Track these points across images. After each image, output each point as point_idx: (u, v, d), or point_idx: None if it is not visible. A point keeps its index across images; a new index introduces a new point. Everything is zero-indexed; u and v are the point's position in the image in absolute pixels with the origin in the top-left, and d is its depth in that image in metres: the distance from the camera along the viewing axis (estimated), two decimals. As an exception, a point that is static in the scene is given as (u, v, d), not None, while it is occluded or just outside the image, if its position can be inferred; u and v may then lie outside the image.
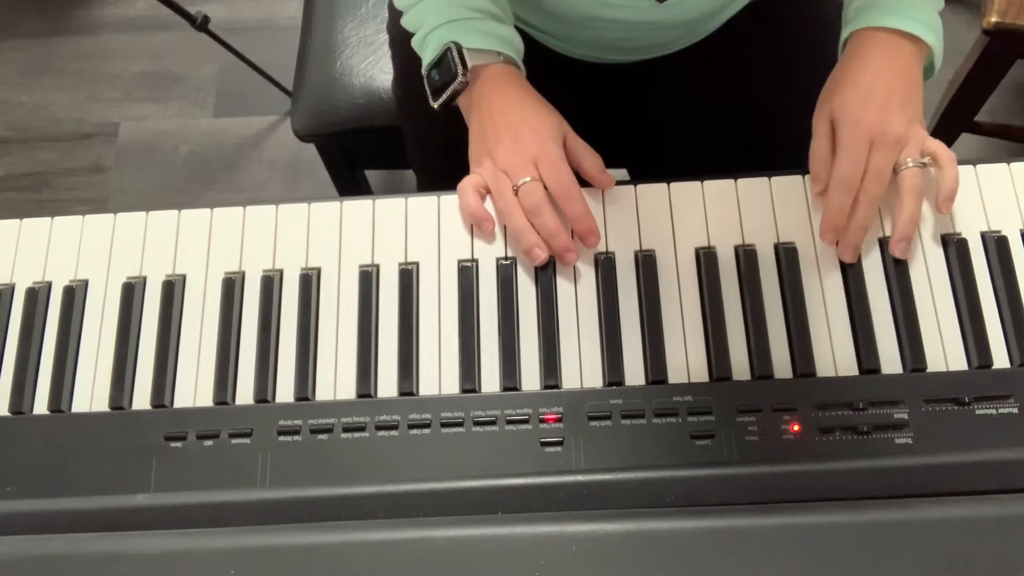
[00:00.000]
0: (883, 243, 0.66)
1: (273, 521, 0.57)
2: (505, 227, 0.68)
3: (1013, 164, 0.68)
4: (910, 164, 0.64)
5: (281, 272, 0.68)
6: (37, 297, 0.68)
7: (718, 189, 0.69)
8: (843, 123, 0.65)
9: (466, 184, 0.68)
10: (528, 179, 0.66)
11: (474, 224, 0.67)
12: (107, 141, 1.70)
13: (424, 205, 0.70)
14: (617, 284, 0.66)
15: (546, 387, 0.63)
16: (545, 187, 0.66)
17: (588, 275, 0.67)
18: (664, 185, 0.69)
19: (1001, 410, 0.60)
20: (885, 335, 0.63)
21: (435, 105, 0.72)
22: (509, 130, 0.67)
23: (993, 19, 1.04)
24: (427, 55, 0.72)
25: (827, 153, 0.66)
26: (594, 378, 0.63)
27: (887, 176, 0.64)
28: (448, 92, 0.70)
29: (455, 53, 0.69)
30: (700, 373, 0.63)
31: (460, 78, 0.69)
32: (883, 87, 0.65)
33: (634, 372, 0.63)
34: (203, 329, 0.67)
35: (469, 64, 0.69)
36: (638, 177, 0.71)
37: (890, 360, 0.63)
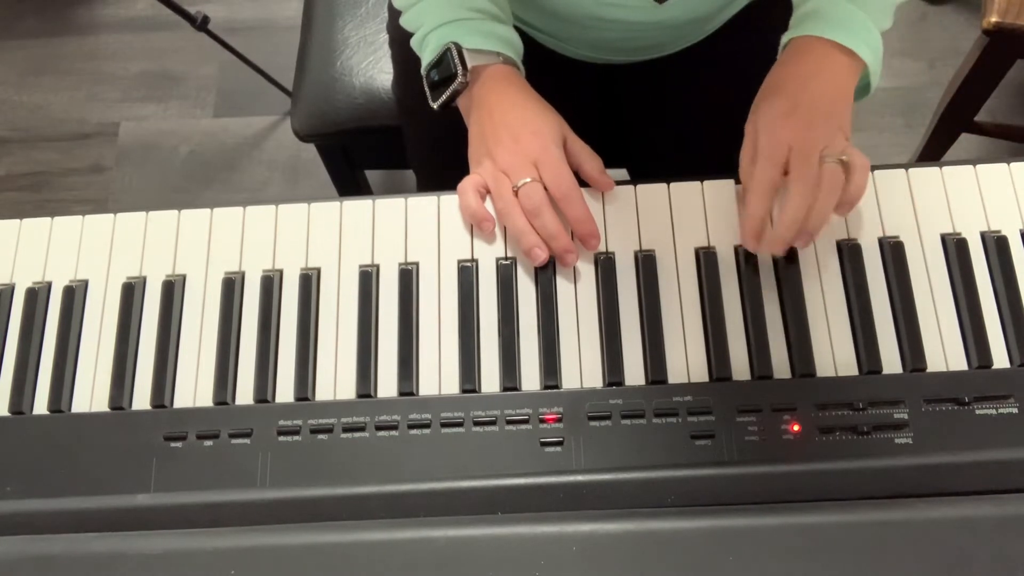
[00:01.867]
0: (883, 243, 0.66)
1: (273, 521, 0.57)
2: (505, 228, 0.68)
3: (1013, 164, 0.68)
4: (828, 161, 0.64)
5: (281, 272, 0.68)
6: (37, 297, 0.68)
7: (718, 189, 0.69)
8: (762, 132, 0.65)
9: (466, 184, 0.68)
10: (528, 180, 0.65)
11: (474, 224, 0.67)
12: (107, 141, 1.70)
13: (424, 205, 0.70)
14: (617, 284, 0.66)
15: (546, 387, 0.63)
16: (545, 188, 0.66)
17: (588, 275, 0.67)
18: (664, 185, 0.69)
19: (1001, 410, 0.60)
20: (885, 335, 0.63)
21: (435, 105, 0.72)
22: (509, 131, 0.67)
23: (993, 19, 1.04)
24: (426, 55, 0.71)
25: (751, 160, 0.66)
26: (594, 378, 0.63)
27: (815, 170, 0.63)
28: (448, 92, 0.70)
29: (455, 53, 0.69)
30: (700, 373, 0.63)
31: (460, 78, 0.69)
32: (809, 97, 0.65)
33: (634, 372, 0.63)
34: (203, 329, 0.67)
35: (469, 64, 0.69)
36: (638, 177, 0.71)
37: (890, 360, 0.63)
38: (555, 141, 0.67)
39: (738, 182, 0.68)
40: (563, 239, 0.65)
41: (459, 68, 0.68)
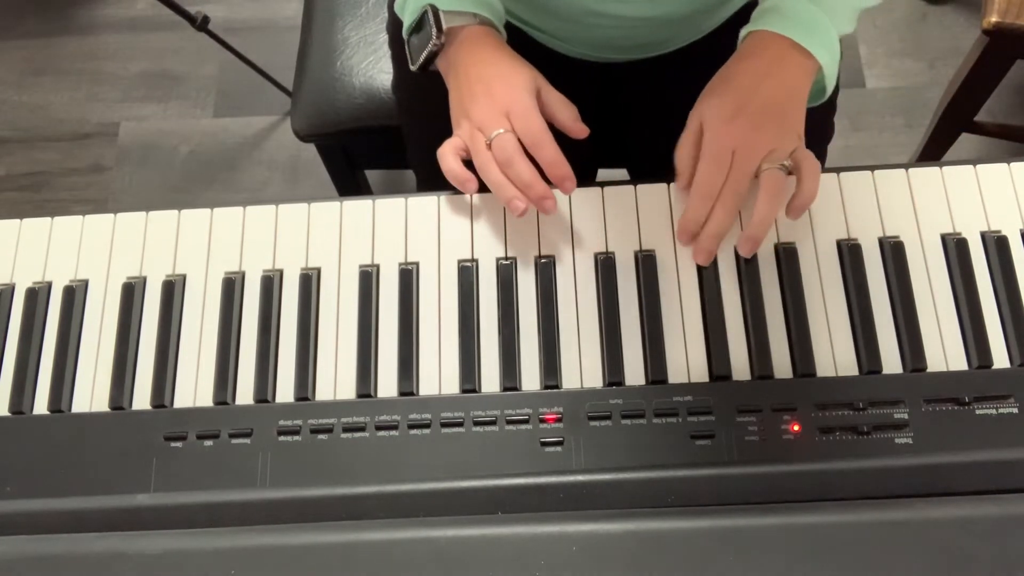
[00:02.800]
0: (883, 242, 0.66)
1: (273, 521, 0.57)
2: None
3: (1013, 164, 0.68)
4: (768, 167, 0.64)
5: (281, 272, 0.68)
6: (37, 297, 0.68)
7: (718, 189, 0.69)
8: (708, 129, 0.65)
9: (445, 148, 0.68)
10: (500, 131, 0.65)
11: (457, 186, 0.67)
12: (107, 141, 1.70)
13: (424, 205, 0.70)
14: (617, 284, 0.66)
15: (546, 387, 0.63)
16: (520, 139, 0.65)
17: (588, 275, 0.67)
18: (664, 185, 0.69)
19: (1001, 410, 0.60)
20: (885, 335, 0.63)
21: (413, 68, 0.72)
22: (483, 85, 0.67)
23: (993, 19, 1.04)
24: (407, 19, 0.72)
25: (692, 150, 0.66)
26: (594, 378, 0.63)
27: (747, 183, 0.64)
28: (424, 53, 0.70)
29: (431, 16, 0.69)
30: (700, 373, 0.63)
31: (434, 39, 0.69)
32: (760, 97, 0.65)
33: (634, 372, 0.63)
34: (203, 329, 0.67)
35: (445, 26, 0.69)
36: (638, 177, 0.71)
37: (890, 360, 0.63)
38: (526, 90, 0.67)
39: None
40: (538, 187, 0.64)
41: (434, 29, 0.69)
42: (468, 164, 0.67)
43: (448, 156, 0.67)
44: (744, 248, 0.64)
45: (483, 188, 0.67)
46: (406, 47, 0.73)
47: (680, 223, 0.65)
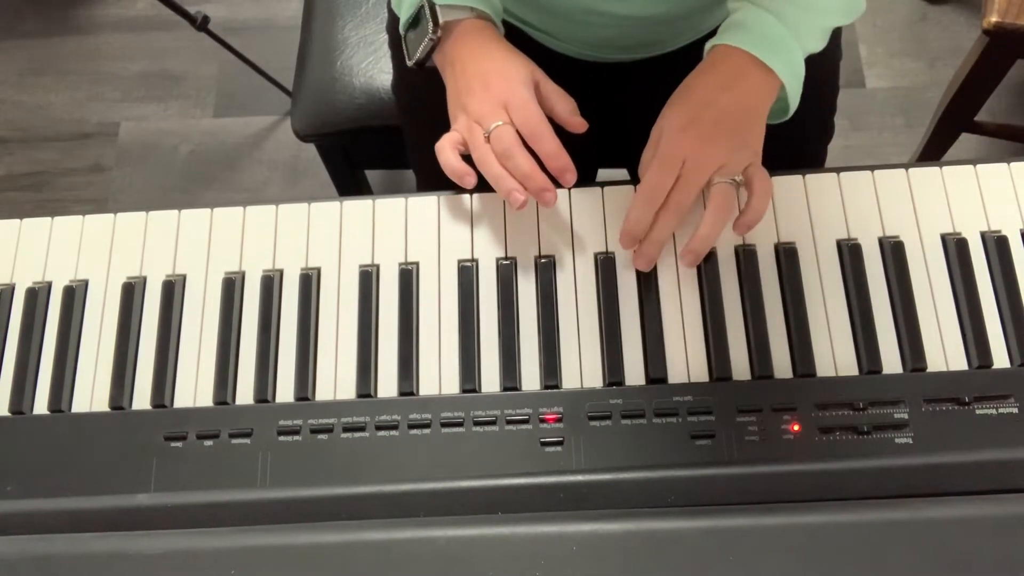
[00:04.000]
0: (883, 242, 0.66)
1: (273, 521, 0.57)
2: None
3: (1013, 164, 0.68)
4: (718, 181, 0.64)
5: (281, 272, 0.68)
6: (37, 297, 0.68)
7: (718, 189, 0.69)
8: (663, 138, 0.65)
9: (443, 142, 0.67)
10: (499, 124, 0.65)
11: (456, 180, 0.67)
12: (107, 141, 1.70)
13: (424, 205, 0.70)
14: (617, 284, 0.66)
15: (546, 387, 0.63)
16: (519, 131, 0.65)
17: (588, 275, 0.67)
18: (664, 185, 0.69)
19: (1001, 410, 0.60)
20: (885, 335, 0.63)
21: (410, 63, 0.72)
22: (480, 79, 0.67)
23: (993, 19, 1.04)
24: (403, 15, 0.72)
25: (651, 162, 0.66)
26: (594, 378, 0.63)
27: (694, 193, 0.64)
28: (421, 48, 0.70)
29: (427, 10, 0.69)
30: (700, 373, 0.63)
31: (430, 34, 0.69)
32: (716, 110, 0.64)
33: (634, 372, 0.63)
34: (203, 329, 0.67)
35: (441, 20, 0.69)
36: (638, 177, 0.71)
37: (890, 360, 0.63)
38: (524, 82, 0.67)
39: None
40: (537, 178, 0.64)
41: (431, 24, 0.69)
42: (466, 159, 0.67)
43: (446, 150, 0.67)
44: (684, 261, 0.65)
45: (482, 183, 0.66)
46: (403, 43, 0.73)
47: (623, 226, 0.65)
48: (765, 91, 0.66)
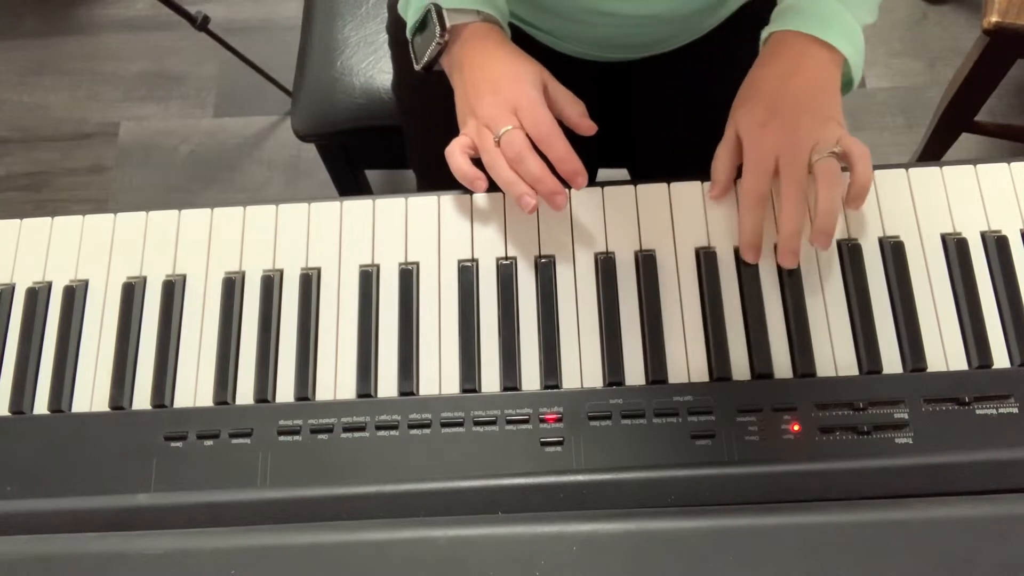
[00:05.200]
0: (883, 242, 0.66)
1: (273, 521, 0.57)
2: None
3: (1013, 164, 0.68)
4: (817, 158, 0.63)
5: (281, 272, 0.68)
6: (37, 297, 0.68)
7: (718, 189, 0.69)
8: (746, 138, 0.65)
9: (453, 146, 0.67)
10: (509, 128, 0.65)
11: (466, 185, 0.67)
12: (107, 141, 1.70)
13: (424, 205, 0.70)
14: (617, 284, 0.66)
15: (546, 387, 0.63)
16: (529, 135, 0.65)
17: (588, 275, 0.67)
18: (664, 185, 0.69)
19: (1001, 410, 0.60)
20: (885, 335, 0.63)
21: (418, 68, 0.72)
22: (489, 83, 0.67)
23: (993, 19, 1.04)
24: (410, 19, 0.72)
25: (728, 159, 0.66)
26: (594, 378, 0.63)
27: (803, 177, 0.63)
28: (428, 53, 0.70)
29: (434, 14, 0.69)
30: (700, 373, 0.63)
31: (438, 38, 0.69)
32: (789, 97, 0.65)
33: (634, 372, 0.63)
34: (203, 329, 0.67)
35: (448, 24, 0.69)
36: (638, 177, 0.71)
37: (890, 360, 0.63)
38: (533, 86, 0.67)
39: (736, 178, 0.68)
40: (549, 182, 0.64)
41: (438, 28, 0.68)
42: (476, 162, 0.67)
43: (456, 155, 0.67)
44: (820, 242, 0.63)
45: (492, 186, 0.67)
46: (410, 47, 0.73)
47: (741, 241, 0.65)
48: (831, 67, 0.67)
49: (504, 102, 0.66)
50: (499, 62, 0.68)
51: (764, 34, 0.70)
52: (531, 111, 0.65)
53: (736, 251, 0.66)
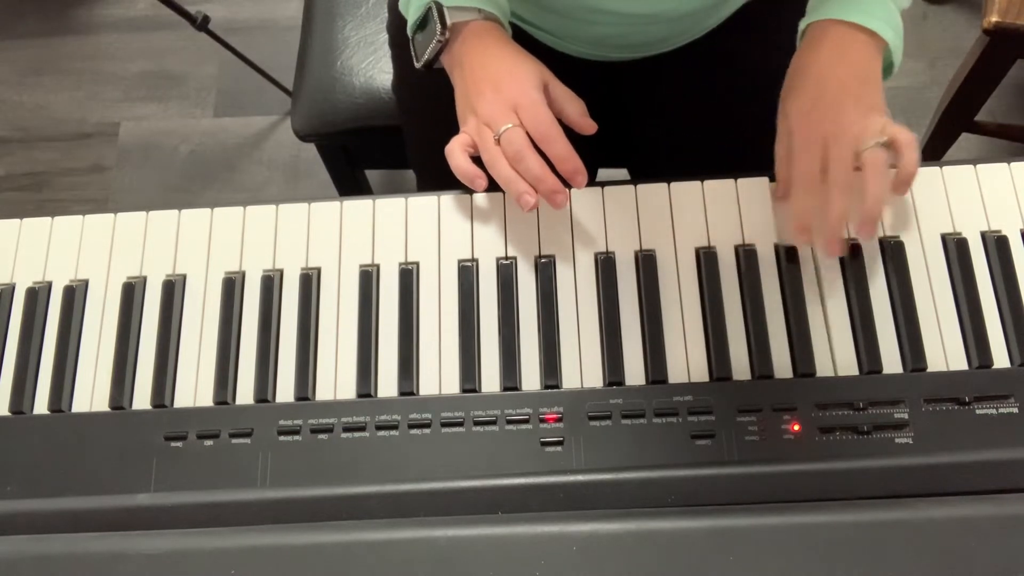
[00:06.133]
0: (883, 243, 0.66)
1: (273, 521, 0.57)
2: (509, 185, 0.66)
3: (1013, 164, 0.68)
4: (869, 145, 0.64)
5: (281, 272, 0.68)
6: (37, 297, 0.68)
7: (718, 189, 0.69)
8: (795, 126, 0.66)
9: (453, 144, 0.67)
10: (509, 126, 0.65)
11: (466, 183, 0.67)
12: (107, 141, 1.70)
13: (424, 205, 0.70)
14: (617, 284, 0.66)
15: (546, 387, 0.63)
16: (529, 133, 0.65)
17: (588, 275, 0.67)
18: (664, 185, 0.69)
19: (1001, 410, 0.60)
20: (885, 335, 0.63)
21: (418, 66, 0.72)
22: (489, 81, 0.67)
23: (993, 19, 1.04)
24: (411, 16, 0.72)
25: (786, 155, 0.67)
26: (594, 378, 0.63)
27: (850, 165, 0.64)
28: (428, 50, 0.70)
29: (435, 12, 0.69)
30: (700, 373, 0.63)
31: (438, 35, 0.69)
32: (833, 84, 0.65)
33: (634, 372, 0.63)
34: (203, 329, 0.67)
35: (449, 21, 0.69)
36: (638, 177, 0.71)
37: (890, 360, 0.63)
38: (534, 85, 0.67)
39: (735, 178, 0.69)
40: (549, 180, 0.64)
41: (438, 26, 0.68)
42: (476, 161, 0.67)
43: (456, 153, 0.67)
44: (864, 231, 0.64)
45: (492, 185, 0.67)
46: (411, 45, 0.73)
47: (793, 223, 0.65)
48: (872, 53, 0.67)
49: (504, 100, 0.66)
50: (500, 60, 0.68)
51: (802, 25, 0.70)
52: (532, 109, 0.65)
53: (736, 250, 0.66)
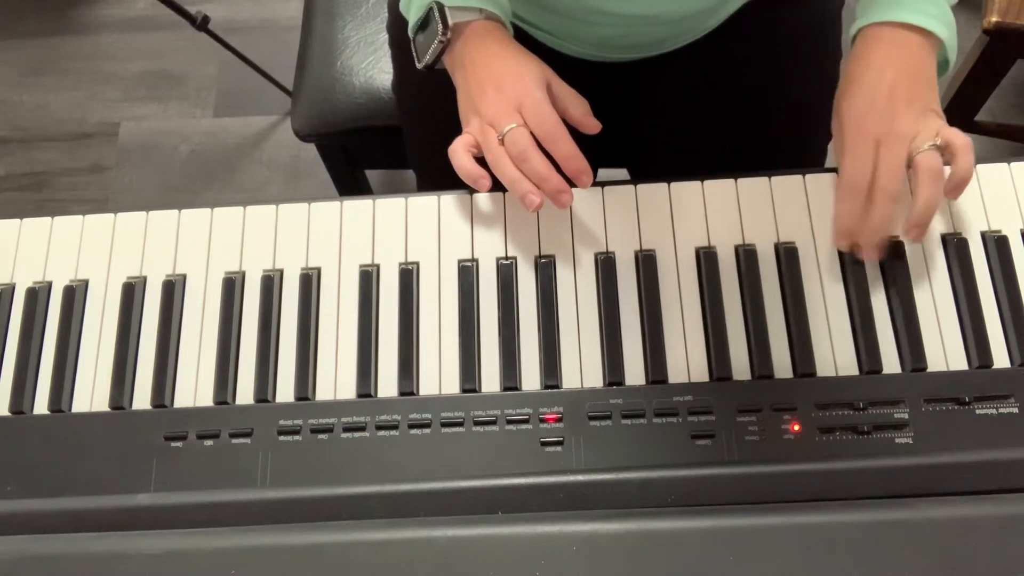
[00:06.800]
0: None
1: (273, 521, 0.57)
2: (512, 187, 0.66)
3: (1013, 164, 0.68)
4: (924, 148, 0.63)
5: (281, 272, 0.68)
6: (37, 297, 0.68)
7: (718, 189, 0.69)
8: (847, 127, 0.65)
9: (456, 145, 0.67)
10: (513, 126, 0.65)
11: (470, 184, 0.66)
12: (107, 141, 1.70)
13: (424, 205, 0.70)
14: (617, 284, 0.66)
15: (546, 387, 0.63)
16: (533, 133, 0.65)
17: (588, 275, 0.67)
18: (664, 185, 0.69)
19: (1001, 410, 0.60)
20: (885, 335, 0.63)
21: (420, 66, 0.72)
22: (492, 81, 0.67)
23: (993, 19, 1.04)
24: (412, 17, 0.72)
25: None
26: (594, 378, 0.63)
27: (901, 171, 0.63)
28: (430, 51, 0.70)
29: (436, 12, 0.69)
30: (700, 373, 0.63)
31: (440, 36, 0.68)
32: (887, 86, 0.65)
33: (634, 372, 0.63)
34: (203, 329, 0.67)
35: (451, 22, 0.68)
36: (638, 177, 0.71)
37: (890, 360, 0.63)
38: (537, 84, 0.66)
39: (735, 178, 0.69)
40: (553, 180, 0.64)
41: (440, 26, 0.68)
42: (480, 161, 0.67)
43: (460, 153, 0.67)
44: (912, 233, 0.63)
45: (496, 185, 0.66)
46: (412, 46, 0.73)
47: (835, 225, 0.65)
48: (926, 52, 0.67)
49: (508, 100, 0.66)
50: (502, 60, 0.68)
51: (853, 29, 0.70)
52: (535, 109, 0.65)
53: (736, 250, 0.66)
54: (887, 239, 0.64)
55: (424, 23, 0.70)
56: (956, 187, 0.64)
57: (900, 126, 0.64)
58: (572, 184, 0.65)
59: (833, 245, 0.66)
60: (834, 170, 0.69)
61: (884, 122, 0.64)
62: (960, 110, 1.25)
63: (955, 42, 0.69)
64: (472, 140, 0.67)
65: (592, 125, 0.68)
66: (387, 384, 0.64)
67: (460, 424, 0.62)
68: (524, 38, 0.83)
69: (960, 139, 0.64)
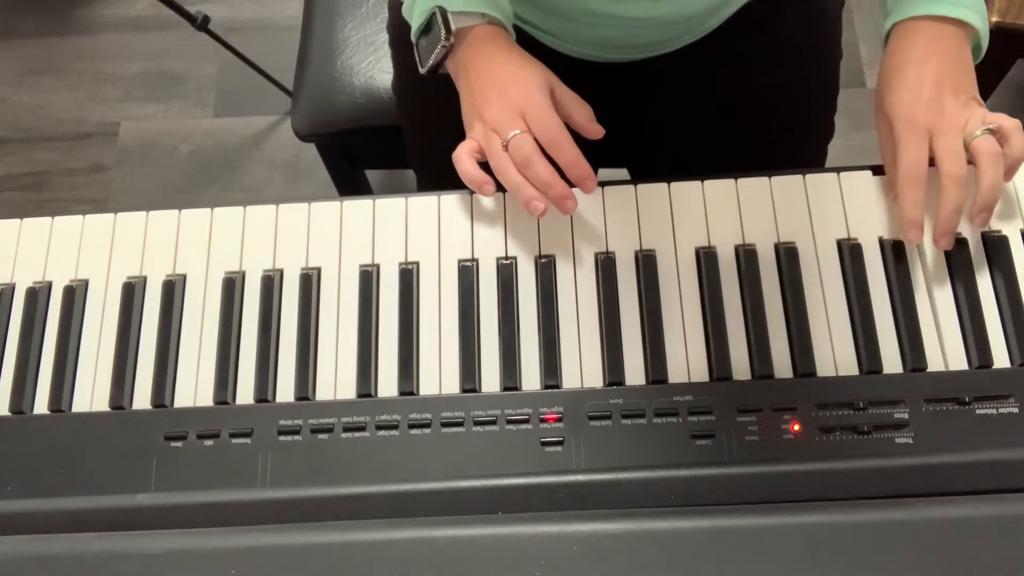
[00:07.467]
0: (882, 242, 0.66)
1: (273, 521, 0.57)
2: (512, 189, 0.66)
3: (1013, 164, 0.68)
4: (977, 134, 0.64)
5: (281, 272, 0.68)
6: (37, 297, 0.68)
7: (718, 189, 0.69)
8: (897, 122, 0.66)
9: (460, 151, 0.67)
10: (517, 132, 0.64)
11: (475, 189, 0.67)
12: (107, 141, 1.70)
13: (424, 205, 0.70)
14: (617, 284, 0.66)
15: (546, 387, 0.63)
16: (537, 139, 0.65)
17: (588, 275, 0.67)
18: (664, 185, 0.69)
19: (1001, 410, 0.60)
20: (885, 335, 0.63)
21: (423, 71, 0.72)
22: (496, 87, 0.67)
23: (993, 19, 1.04)
24: (415, 22, 0.72)
25: (892, 157, 0.66)
26: (594, 378, 0.63)
27: (963, 157, 0.64)
28: (433, 56, 0.70)
29: (439, 17, 0.69)
30: (700, 373, 0.63)
31: (443, 41, 0.68)
32: (930, 78, 0.65)
33: (634, 372, 0.63)
34: (203, 329, 0.67)
35: (453, 27, 0.68)
36: (638, 177, 0.71)
37: (890, 360, 0.63)
38: (540, 89, 0.66)
39: (735, 178, 0.68)
40: (558, 186, 0.64)
41: (443, 31, 0.68)
42: (483, 166, 0.67)
43: (464, 159, 0.67)
44: (980, 218, 0.64)
45: (499, 190, 0.67)
46: (415, 51, 0.72)
47: (903, 217, 0.64)
48: (963, 42, 0.67)
49: (511, 106, 0.66)
50: (505, 65, 0.68)
51: (886, 25, 0.70)
52: (539, 115, 0.65)
53: (736, 250, 0.66)
54: (956, 227, 0.64)
55: (427, 28, 0.70)
56: (1012, 168, 0.65)
57: (951, 116, 0.64)
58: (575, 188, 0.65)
59: (907, 240, 0.65)
60: (835, 170, 0.69)
61: (934, 114, 0.64)
62: (960, 110, 1.25)
63: (988, 29, 0.69)
64: (476, 146, 0.67)
65: (595, 131, 0.68)
66: (387, 384, 0.64)
67: (460, 424, 0.62)
68: (525, 39, 0.83)
69: (1009, 122, 0.65)
